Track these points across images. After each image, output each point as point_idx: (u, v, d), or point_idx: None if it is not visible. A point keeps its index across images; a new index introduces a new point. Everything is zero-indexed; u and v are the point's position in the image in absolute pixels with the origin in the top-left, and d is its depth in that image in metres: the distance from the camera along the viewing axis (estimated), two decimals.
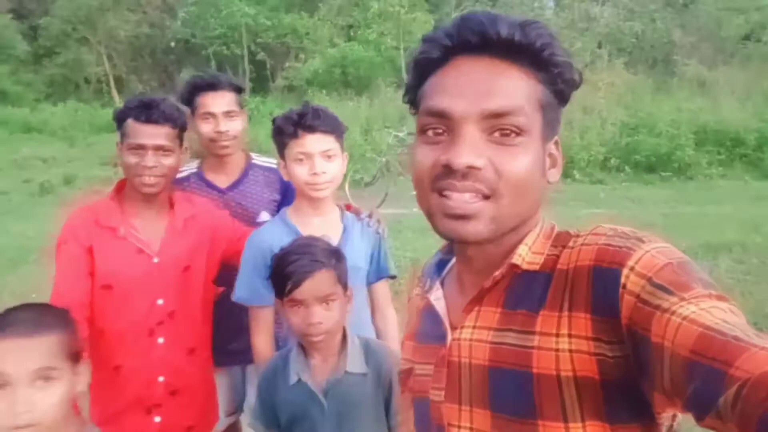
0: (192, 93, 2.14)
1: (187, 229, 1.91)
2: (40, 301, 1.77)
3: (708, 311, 0.61)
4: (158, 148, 1.79)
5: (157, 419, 1.86)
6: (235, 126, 2.14)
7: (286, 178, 1.85)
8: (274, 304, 1.68)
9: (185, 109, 2.11)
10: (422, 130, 0.80)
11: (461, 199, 0.75)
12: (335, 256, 1.56)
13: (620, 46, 18.11)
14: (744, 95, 12.29)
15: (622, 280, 0.68)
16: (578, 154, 10.52)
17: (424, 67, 0.82)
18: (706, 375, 0.57)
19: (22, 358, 1.15)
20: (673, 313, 0.62)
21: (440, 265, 0.97)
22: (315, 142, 1.74)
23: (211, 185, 2.21)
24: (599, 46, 17.96)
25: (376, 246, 1.91)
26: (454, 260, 0.93)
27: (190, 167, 2.29)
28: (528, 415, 0.73)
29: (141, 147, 1.78)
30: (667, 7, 20.33)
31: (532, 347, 0.74)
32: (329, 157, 1.76)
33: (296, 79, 19.03)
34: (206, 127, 2.12)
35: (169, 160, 1.82)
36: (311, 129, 1.73)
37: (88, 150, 14.22)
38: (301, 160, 1.75)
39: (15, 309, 1.25)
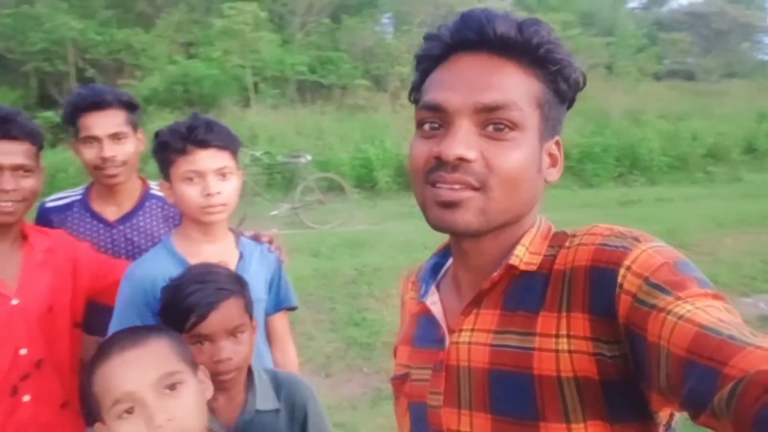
0: (73, 114, 1.86)
1: (46, 264, 1.67)
2: None
3: (704, 310, 0.63)
4: (17, 168, 1.56)
5: None
6: (124, 150, 1.88)
7: (170, 201, 1.66)
8: None
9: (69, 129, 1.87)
10: (419, 125, 0.82)
11: (450, 188, 0.76)
12: (240, 282, 1.43)
13: None
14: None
15: (619, 279, 0.69)
16: None
17: (426, 65, 0.84)
18: (701, 374, 0.58)
19: (139, 371, 1.05)
20: (669, 312, 0.64)
21: (435, 268, 0.96)
22: (208, 159, 1.57)
23: (97, 217, 1.94)
24: None
25: (276, 274, 1.78)
26: (449, 263, 0.93)
27: (72, 192, 2.00)
28: (529, 417, 0.73)
29: None
30: None
31: (533, 349, 0.75)
32: (224, 175, 1.60)
33: (133, 97, 17.83)
34: (89, 153, 1.86)
35: (29, 182, 1.59)
36: (203, 144, 1.56)
37: None
38: (191, 179, 1.56)
39: (112, 336, 1.17)
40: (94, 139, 1.86)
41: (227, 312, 1.34)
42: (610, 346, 0.69)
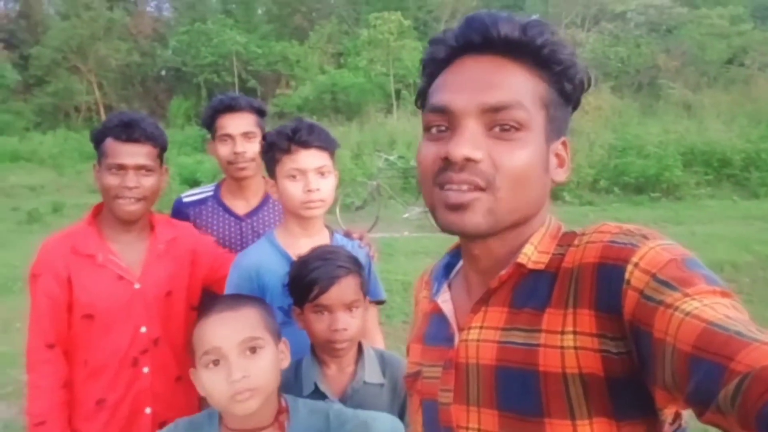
0: (212, 116, 2.10)
1: (168, 253, 1.85)
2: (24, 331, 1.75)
3: (711, 307, 0.61)
4: (140, 168, 1.73)
5: None
6: (253, 147, 2.06)
7: (275, 197, 1.79)
8: None
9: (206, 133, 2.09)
10: (427, 128, 0.82)
11: (458, 190, 0.76)
12: (358, 263, 1.55)
13: (606, 71, 18.39)
14: (729, 117, 12.44)
15: (627, 276, 0.68)
16: None
17: (432, 69, 0.84)
18: (707, 369, 0.57)
19: (229, 331, 1.20)
20: (676, 308, 0.62)
21: (447, 267, 0.97)
22: (309, 158, 1.67)
23: (228, 210, 2.16)
24: None
25: (366, 269, 1.86)
26: (461, 263, 0.94)
27: (206, 189, 2.24)
28: (535, 413, 0.73)
29: (121, 167, 1.72)
30: (651, 32, 20.74)
31: (538, 345, 0.74)
32: (323, 174, 1.70)
33: (287, 106, 19.13)
34: (224, 149, 2.08)
35: (150, 181, 1.76)
36: (306, 144, 1.66)
37: (77, 178, 14.13)
38: (294, 177, 1.67)
39: (217, 298, 1.36)
40: (229, 137, 2.08)
41: (345, 287, 1.47)
42: (616, 342, 0.69)
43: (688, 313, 0.61)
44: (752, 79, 16.16)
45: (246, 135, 2.07)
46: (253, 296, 1.42)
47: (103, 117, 22.37)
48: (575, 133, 11.59)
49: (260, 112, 2.15)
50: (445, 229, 0.80)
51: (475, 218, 0.77)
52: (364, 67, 19.01)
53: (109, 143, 1.75)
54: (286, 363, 1.31)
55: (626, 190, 10.47)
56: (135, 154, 1.73)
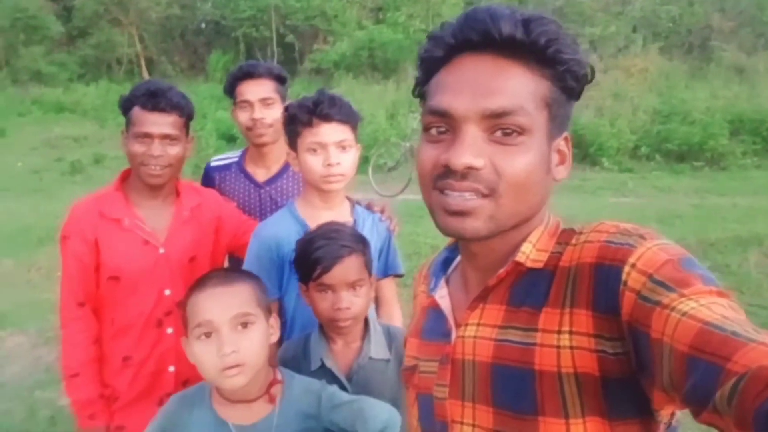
0: (232, 84, 2.13)
1: (193, 219, 1.90)
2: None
3: (708, 307, 0.62)
4: (165, 137, 1.77)
5: None
6: (271, 114, 2.09)
7: (296, 169, 1.79)
8: (278, 296, 1.68)
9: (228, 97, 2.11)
10: (426, 128, 0.81)
11: (460, 197, 0.76)
12: (362, 241, 1.55)
13: (656, 31, 17.62)
14: None
15: (624, 276, 0.69)
16: (607, 141, 10.28)
17: (430, 65, 0.82)
18: (704, 369, 0.57)
19: (222, 305, 1.24)
20: (672, 309, 0.63)
21: (446, 262, 0.97)
22: (330, 132, 1.67)
23: (249, 177, 2.20)
24: (634, 30, 17.50)
25: (386, 242, 1.86)
26: (459, 259, 0.94)
27: (233, 155, 2.29)
28: (529, 411, 0.74)
29: (147, 135, 1.76)
30: None
31: (535, 344, 0.75)
32: (344, 148, 1.69)
33: (324, 62, 18.94)
34: (243, 116, 2.11)
35: (175, 150, 1.80)
36: (327, 118, 1.66)
37: (118, 130, 14.27)
38: (314, 150, 1.67)
39: (207, 273, 1.38)
40: (247, 103, 2.10)
41: (349, 266, 1.48)
42: (613, 343, 0.69)
43: (684, 314, 0.61)
44: None
45: (264, 101, 2.09)
46: (246, 272, 1.45)
47: (144, 70, 22.68)
48: (618, 97, 11.25)
49: (280, 79, 2.16)
50: (444, 232, 0.80)
51: (476, 224, 0.76)
52: (403, 22, 18.63)
53: (136, 112, 1.78)
54: (275, 338, 1.35)
55: (668, 158, 10.17)
56: (161, 123, 1.76)
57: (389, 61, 17.75)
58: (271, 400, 1.31)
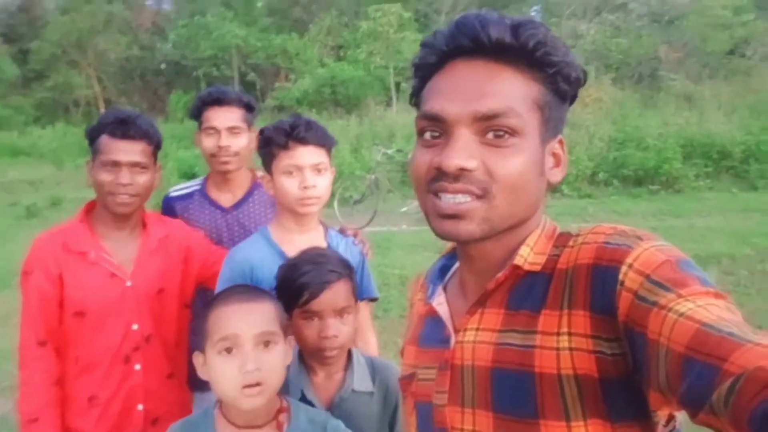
0: (200, 108, 2.10)
1: (160, 250, 1.85)
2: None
3: (705, 308, 0.62)
4: (134, 165, 1.73)
5: None
6: (238, 142, 2.08)
7: (270, 193, 1.78)
8: None
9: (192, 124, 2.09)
10: (420, 133, 0.82)
11: (453, 200, 0.76)
12: (349, 267, 1.52)
13: (607, 63, 18.30)
14: (730, 109, 12.38)
15: (621, 277, 0.69)
16: (566, 169, 10.52)
17: (424, 72, 0.84)
18: (700, 370, 0.57)
19: (248, 321, 1.22)
20: (669, 309, 0.63)
21: (443, 270, 0.97)
22: (307, 155, 1.66)
23: (214, 204, 2.16)
24: (586, 63, 18.12)
25: (360, 266, 1.85)
26: (456, 265, 0.94)
27: (192, 183, 2.25)
28: (530, 415, 0.73)
29: (116, 164, 1.72)
30: (653, 23, 20.62)
31: (534, 347, 0.74)
32: (319, 171, 1.69)
33: (286, 99, 19.07)
34: (208, 142, 2.09)
35: (143, 178, 1.76)
36: (303, 141, 1.66)
37: (76, 172, 14.09)
38: (290, 173, 1.67)
39: (231, 287, 1.36)
40: (214, 130, 2.08)
41: (337, 292, 1.43)
42: (611, 343, 0.69)
43: (681, 314, 0.61)
44: (754, 71, 16.08)
45: (231, 129, 2.08)
46: (267, 291, 1.41)
47: (103, 111, 22.40)
48: (574, 126, 11.57)
49: (248, 107, 2.15)
50: (440, 235, 0.80)
51: (470, 227, 0.77)
52: (363, 59, 18.92)
53: (104, 140, 1.74)
54: (288, 359, 1.32)
55: (625, 183, 10.45)
56: (129, 151, 1.73)
57: (351, 96, 17.98)
58: (279, 427, 1.27)
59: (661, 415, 0.71)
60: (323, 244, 1.77)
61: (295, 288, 1.43)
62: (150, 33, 24.98)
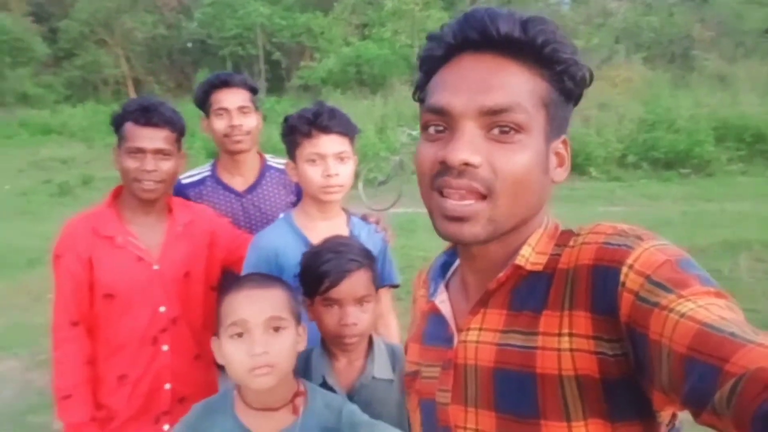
0: (207, 92, 2.13)
1: (186, 235, 1.89)
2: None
3: (706, 308, 0.61)
4: (157, 152, 1.76)
5: (166, 427, 1.85)
6: (248, 122, 2.12)
7: (294, 180, 1.80)
8: None
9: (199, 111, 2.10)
10: (425, 127, 0.80)
11: (458, 202, 0.75)
12: (369, 256, 1.54)
13: (638, 42, 17.88)
14: (765, 90, 12.03)
15: (621, 278, 0.68)
16: (595, 151, 10.37)
17: (430, 65, 0.82)
18: (702, 371, 0.57)
19: (257, 307, 1.26)
20: (671, 310, 0.62)
21: (444, 266, 0.97)
22: (329, 144, 1.68)
23: (227, 188, 2.19)
24: (616, 42, 17.74)
25: (382, 252, 1.86)
26: (457, 263, 0.93)
27: (202, 169, 2.26)
28: (531, 415, 0.74)
29: (140, 150, 1.75)
30: (686, 1, 20.02)
31: (536, 348, 0.74)
32: (342, 159, 1.71)
33: (311, 79, 19.03)
34: (220, 123, 2.11)
35: (168, 164, 1.79)
36: (326, 129, 1.67)
37: (106, 151, 14.29)
38: (314, 161, 1.69)
39: (250, 274, 1.45)
40: (225, 111, 2.11)
41: (357, 281, 1.45)
42: (612, 344, 0.69)
43: (683, 315, 0.61)
44: None
45: (241, 109, 2.12)
46: (281, 278, 1.44)
47: (131, 90, 22.66)
48: (603, 107, 11.37)
49: (253, 90, 2.19)
50: (443, 237, 0.79)
51: (475, 229, 0.76)
52: (388, 38, 18.76)
53: (129, 127, 1.78)
54: (302, 346, 1.35)
55: (655, 166, 10.27)
56: (153, 138, 1.76)
57: (376, 76, 17.85)
58: (295, 411, 1.30)
59: (665, 416, 0.71)
60: (346, 231, 1.79)
61: (316, 276, 1.46)
62: (176, 12, 25.04)
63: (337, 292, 1.44)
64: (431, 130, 0.79)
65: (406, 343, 1.03)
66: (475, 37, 0.76)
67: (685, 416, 0.71)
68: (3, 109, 18.89)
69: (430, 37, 0.82)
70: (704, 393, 0.56)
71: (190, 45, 25.21)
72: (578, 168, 10.27)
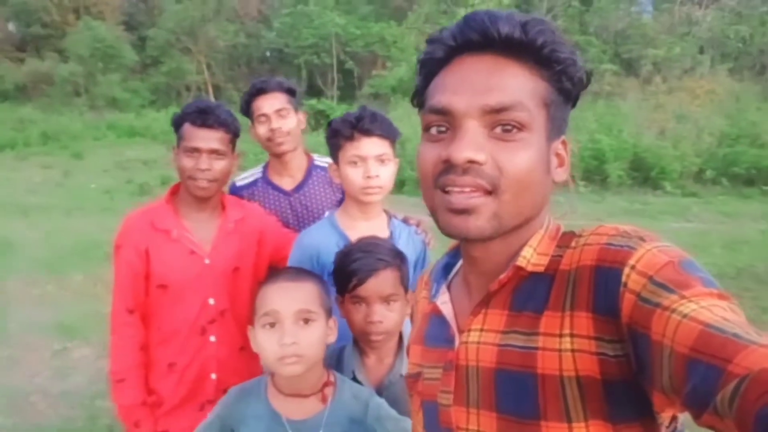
0: (248, 101, 2.24)
1: (237, 232, 1.98)
2: None
3: (708, 309, 0.61)
4: (212, 152, 1.85)
5: None
6: (287, 123, 2.21)
7: (336, 181, 1.86)
8: None
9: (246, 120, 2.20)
10: (426, 128, 0.81)
11: (461, 194, 0.76)
12: (399, 257, 1.58)
13: (724, 52, 17.04)
14: None
15: (623, 278, 0.68)
16: (670, 164, 9.94)
17: (430, 68, 0.83)
18: (704, 372, 0.57)
19: (289, 299, 1.34)
20: (673, 311, 0.62)
21: (446, 268, 0.97)
22: (371, 146, 1.73)
23: (277, 188, 2.29)
24: (701, 52, 16.97)
25: (421, 255, 1.88)
26: (460, 263, 0.94)
27: (255, 171, 2.37)
28: (532, 416, 0.74)
29: (196, 150, 1.85)
30: None
31: (537, 348, 0.74)
32: (383, 161, 1.75)
33: (382, 87, 19.23)
34: (262, 129, 2.22)
35: (221, 164, 1.88)
36: (368, 132, 1.72)
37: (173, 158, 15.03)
38: (355, 163, 1.74)
39: (285, 268, 1.56)
40: (264, 117, 2.21)
41: (383, 280, 1.50)
42: (614, 345, 0.68)
43: (685, 316, 0.61)
44: None
45: (279, 112, 2.20)
46: (314, 273, 1.51)
47: (211, 96, 23.58)
48: (681, 119, 10.90)
49: (291, 91, 2.27)
50: (447, 232, 0.79)
51: (479, 222, 0.76)
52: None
53: (187, 128, 1.88)
54: (332, 339, 1.40)
55: (735, 182, 9.73)
56: (209, 138, 1.85)
57: None
58: (323, 399, 1.36)
59: (665, 417, 0.70)
60: (386, 231, 1.83)
61: (345, 274, 1.51)
62: (256, 21, 25.96)
63: (363, 290, 1.49)
64: (433, 130, 0.80)
65: (408, 345, 1.03)
66: (476, 39, 0.77)
67: (685, 418, 0.70)
68: (93, 111, 20.14)
69: (430, 40, 0.83)
70: (706, 394, 0.56)
71: (268, 54, 26.04)
72: (652, 182, 9.89)
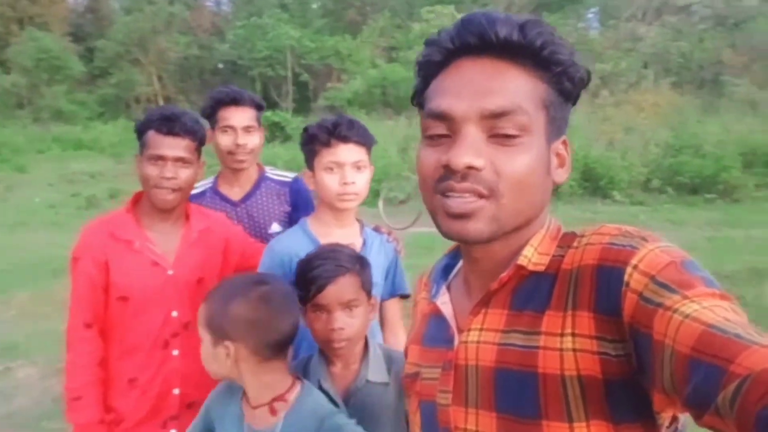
0: (214, 107, 2.19)
1: (201, 242, 1.92)
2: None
3: (710, 309, 0.61)
4: (178, 160, 1.80)
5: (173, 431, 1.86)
6: (253, 140, 2.19)
7: (311, 188, 1.84)
8: None
9: (204, 122, 2.14)
10: (425, 133, 0.81)
11: (460, 198, 0.75)
12: (360, 262, 1.55)
13: (667, 66, 17.76)
14: None
15: (626, 278, 0.68)
16: (618, 174, 10.29)
17: (428, 70, 0.83)
18: (706, 372, 0.57)
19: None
20: (675, 311, 0.62)
21: (446, 269, 0.97)
22: (347, 152, 1.73)
23: (224, 198, 2.26)
24: (645, 66, 17.64)
25: (393, 263, 1.88)
26: (460, 264, 0.93)
27: (206, 182, 2.33)
28: (532, 415, 0.73)
29: (161, 158, 1.79)
30: (717, 26, 19.87)
31: (538, 347, 0.74)
32: (359, 168, 1.75)
33: (337, 99, 19.25)
34: (225, 140, 2.17)
35: (186, 173, 1.83)
36: (345, 139, 1.72)
37: (134, 166, 14.68)
38: (331, 169, 1.73)
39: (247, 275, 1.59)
40: (231, 128, 2.17)
41: (342, 286, 1.47)
42: (615, 345, 0.68)
43: (687, 316, 0.61)
44: None
45: (247, 128, 2.18)
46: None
47: None
48: (629, 131, 11.29)
49: (260, 108, 2.25)
50: (447, 236, 0.79)
51: (478, 225, 0.76)
52: (414, 60, 18.91)
53: (151, 135, 1.82)
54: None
55: (680, 191, 10.13)
56: (174, 146, 1.80)
57: (401, 98, 17.95)
58: (272, 412, 1.32)
59: (665, 417, 0.70)
60: (359, 239, 1.83)
61: (305, 282, 1.48)
62: (208, 33, 25.65)
63: (323, 298, 1.46)
64: (432, 135, 0.79)
65: (406, 346, 1.02)
66: (474, 42, 0.77)
67: (686, 418, 0.70)
68: (38, 124, 19.47)
69: (428, 43, 0.82)
70: (707, 394, 0.56)
71: (221, 66, 25.73)
72: (601, 191, 10.19)
